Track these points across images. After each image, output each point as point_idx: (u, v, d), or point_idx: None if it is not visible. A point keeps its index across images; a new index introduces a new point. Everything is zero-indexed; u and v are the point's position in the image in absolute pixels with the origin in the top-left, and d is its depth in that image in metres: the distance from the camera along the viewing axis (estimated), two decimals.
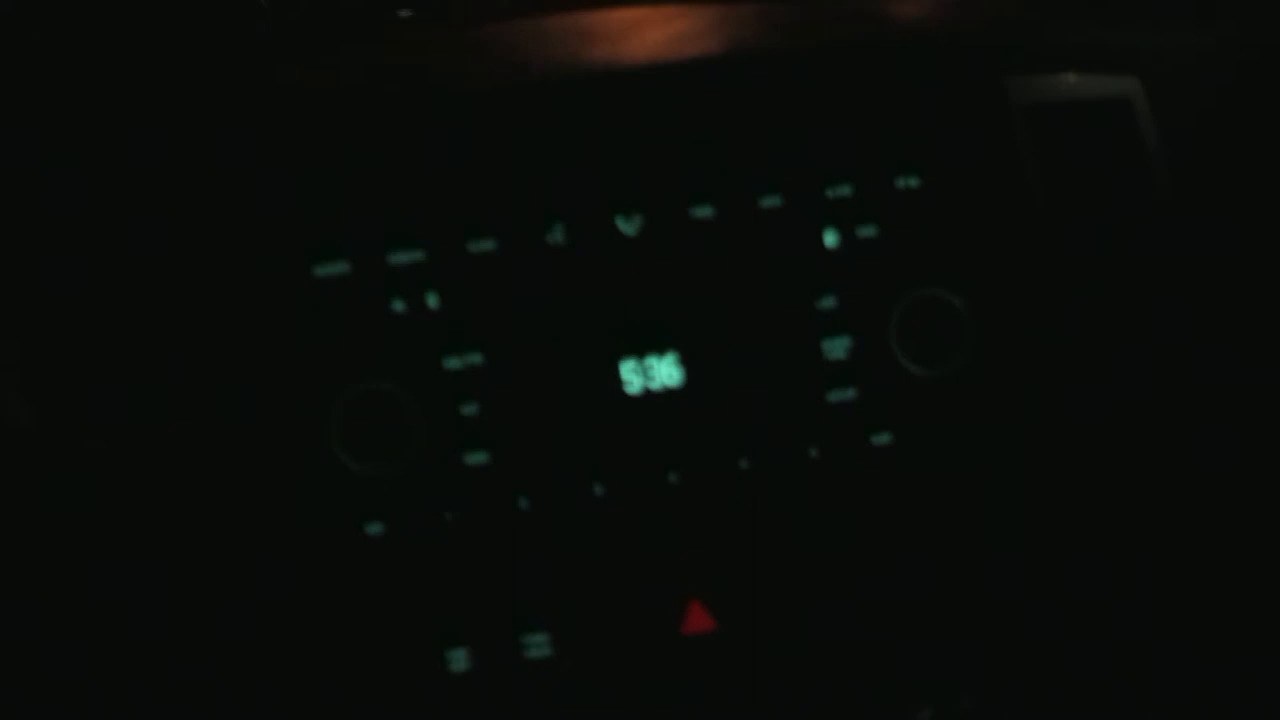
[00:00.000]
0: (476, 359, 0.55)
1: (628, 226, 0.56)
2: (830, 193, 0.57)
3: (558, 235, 0.56)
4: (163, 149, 0.55)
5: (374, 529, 0.55)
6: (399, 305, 0.55)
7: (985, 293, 0.57)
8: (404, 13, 0.61)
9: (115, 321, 0.54)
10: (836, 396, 0.57)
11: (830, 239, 0.57)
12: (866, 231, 0.57)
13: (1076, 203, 0.58)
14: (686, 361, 0.56)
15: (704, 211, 0.56)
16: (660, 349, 0.56)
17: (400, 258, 0.55)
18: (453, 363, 0.55)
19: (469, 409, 0.55)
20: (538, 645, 0.55)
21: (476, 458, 0.55)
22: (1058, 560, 0.57)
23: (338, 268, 0.55)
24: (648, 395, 0.56)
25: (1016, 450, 0.57)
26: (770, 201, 0.57)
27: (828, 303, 0.57)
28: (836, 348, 0.57)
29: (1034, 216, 0.58)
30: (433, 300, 0.55)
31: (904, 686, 0.56)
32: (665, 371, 0.56)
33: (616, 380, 0.56)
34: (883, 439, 0.57)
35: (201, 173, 0.54)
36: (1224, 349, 0.57)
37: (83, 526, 0.53)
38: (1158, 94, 0.59)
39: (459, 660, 0.55)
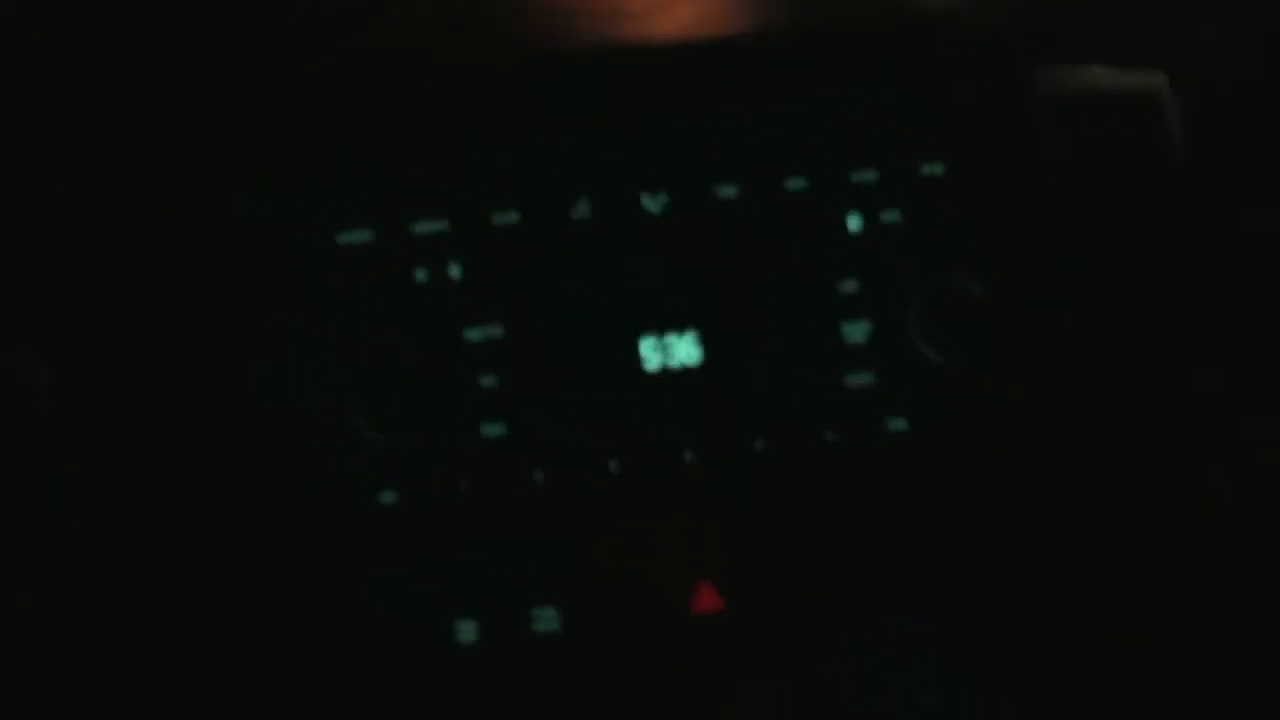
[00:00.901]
0: (497, 331, 0.55)
1: (653, 204, 0.56)
2: (855, 177, 0.57)
3: (582, 209, 0.56)
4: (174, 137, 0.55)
5: (387, 498, 0.55)
6: (421, 275, 0.55)
7: (1004, 282, 0.57)
8: None
9: (134, 300, 0.54)
10: (854, 381, 0.56)
11: (854, 223, 0.57)
12: (890, 217, 0.57)
13: (1099, 197, 0.58)
14: (706, 340, 0.56)
15: (729, 191, 0.56)
16: (680, 327, 0.56)
17: (424, 227, 0.55)
18: (473, 334, 0.55)
19: (487, 381, 0.55)
20: (546, 619, 0.55)
21: (493, 430, 0.55)
22: (1068, 555, 0.56)
23: (361, 235, 0.55)
24: (666, 373, 0.55)
25: (1029, 441, 0.57)
26: (795, 184, 0.57)
27: (849, 286, 0.57)
28: (856, 332, 0.57)
29: (1055, 208, 0.58)
30: (455, 271, 0.55)
31: (910, 674, 0.56)
32: (684, 350, 0.56)
33: (636, 357, 0.56)
34: (898, 425, 0.57)
35: (222, 146, 0.55)
36: (1237, 348, 0.57)
37: (97, 498, 0.53)
38: (1184, 89, 0.58)
39: (468, 631, 0.55)
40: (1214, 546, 0.54)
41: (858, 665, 0.54)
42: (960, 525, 0.55)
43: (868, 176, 0.57)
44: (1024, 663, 0.54)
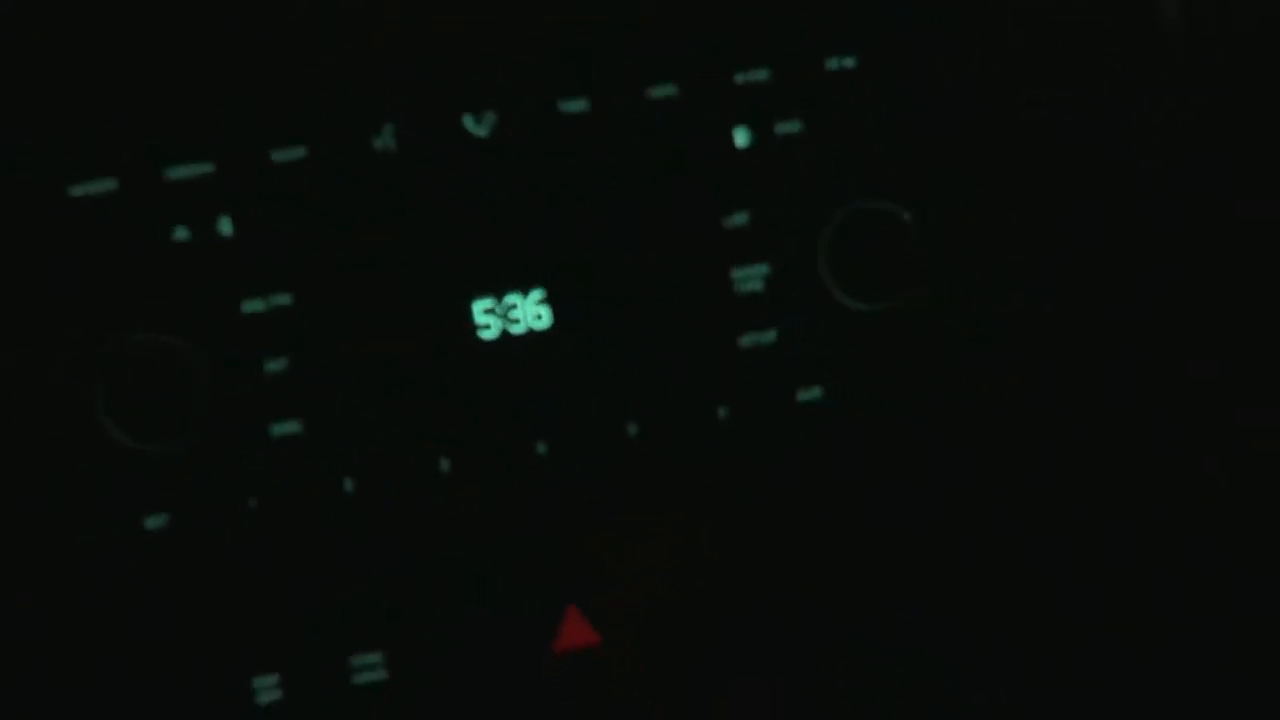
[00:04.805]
0: (284, 301, 0.48)
1: (478, 126, 0.49)
2: (741, 78, 0.50)
3: (387, 138, 0.49)
4: None
5: (155, 522, 0.47)
6: (182, 233, 0.48)
7: (941, 204, 0.51)
8: None
9: None
10: (751, 340, 0.50)
11: (741, 138, 0.50)
12: (788, 127, 0.50)
13: (1059, 87, 0.51)
14: (556, 299, 0.50)
15: (576, 105, 0.49)
16: (523, 284, 0.49)
17: (182, 171, 0.48)
18: (253, 306, 0.48)
19: (275, 365, 0.48)
20: (369, 668, 0.49)
21: (286, 428, 0.48)
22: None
23: (101, 186, 0.47)
24: (507, 342, 0.49)
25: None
26: (662, 91, 0.50)
27: (739, 220, 0.50)
28: (751, 278, 0.50)
29: (1007, 106, 0.51)
30: (226, 226, 0.48)
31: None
32: (529, 312, 0.49)
33: (467, 324, 0.49)
34: (812, 394, 0.51)
35: None
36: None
37: None
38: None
39: (268, 689, 0.48)
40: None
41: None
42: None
43: (758, 76, 0.50)
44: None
